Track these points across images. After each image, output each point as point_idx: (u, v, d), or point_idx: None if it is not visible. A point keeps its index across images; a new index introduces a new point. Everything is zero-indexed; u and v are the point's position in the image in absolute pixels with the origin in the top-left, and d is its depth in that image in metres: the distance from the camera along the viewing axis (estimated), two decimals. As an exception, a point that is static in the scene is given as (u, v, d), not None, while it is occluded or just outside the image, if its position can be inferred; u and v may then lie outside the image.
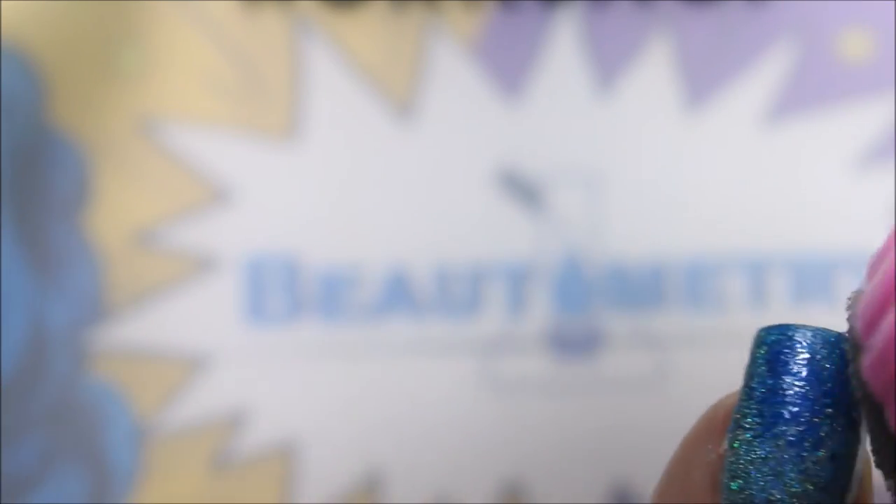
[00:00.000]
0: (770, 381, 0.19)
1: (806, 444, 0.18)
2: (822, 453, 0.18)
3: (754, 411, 0.19)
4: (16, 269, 0.51)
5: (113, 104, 0.52)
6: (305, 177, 0.52)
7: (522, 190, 0.53)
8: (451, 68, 0.53)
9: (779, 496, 0.18)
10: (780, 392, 0.19)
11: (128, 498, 0.51)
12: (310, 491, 0.52)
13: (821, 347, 0.19)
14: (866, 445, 0.19)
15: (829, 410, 0.18)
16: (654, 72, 0.53)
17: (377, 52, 0.53)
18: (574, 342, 0.52)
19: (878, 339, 0.18)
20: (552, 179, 0.53)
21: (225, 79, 0.52)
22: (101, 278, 0.52)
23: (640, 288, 0.53)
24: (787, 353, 0.19)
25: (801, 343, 0.19)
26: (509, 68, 0.53)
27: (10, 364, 0.51)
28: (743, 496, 0.18)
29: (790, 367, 0.19)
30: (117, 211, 0.52)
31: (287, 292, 0.52)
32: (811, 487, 0.18)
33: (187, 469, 0.52)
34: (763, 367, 0.19)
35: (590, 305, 0.53)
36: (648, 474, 0.52)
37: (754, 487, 0.18)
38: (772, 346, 0.19)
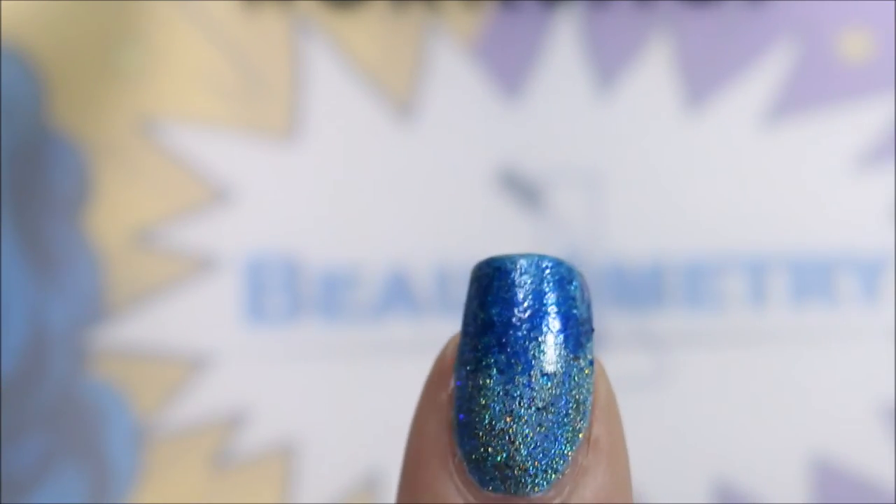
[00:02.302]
0: (480, 315, 0.20)
1: (517, 368, 0.19)
2: (534, 377, 0.19)
3: (469, 346, 0.19)
4: (16, 269, 0.51)
5: (113, 104, 0.52)
6: (305, 177, 0.52)
7: (522, 190, 0.53)
8: (451, 68, 0.53)
9: (501, 425, 0.18)
10: (488, 323, 0.19)
11: (128, 498, 0.51)
12: (310, 491, 0.52)
13: (527, 271, 0.20)
14: (598, 367, 0.20)
15: (535, 333, 0.19)
16: (654, 72, 0.53)
17: (377, 52, 0.53)
18: (574, 342, 0.52)
19: None
20: (552, 179, 0.53)
21: (225, 79, 0.52)
22: (101, 278, 0.52)
23: (640, 288, 0.53)
24: (494, 284, 0.20)
25: (507, 271, 0.20)
26: (509, 68, 0.53)
27: (9, 364, 0.51)
28: (469, 428, 0.19)
29: (496, 296, 0.20)
30: (117, 211, 0.52)
31: (287, 292, 0.52)
32: (531, 410, 0.18)
33: (187, 469, 0.52)
34: (473, 302, 0.20)
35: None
36: (648, 474, 0.52)
37: (476, 419, 0.19)
38: (480, 280, 0.20)
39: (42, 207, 0.51)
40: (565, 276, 0.19)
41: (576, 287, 0.19)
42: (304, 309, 0.52)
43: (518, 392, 0.19)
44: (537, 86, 0.53)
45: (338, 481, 0.52)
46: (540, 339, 0.19)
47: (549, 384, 0.19)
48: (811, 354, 0.51)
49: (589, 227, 0.53)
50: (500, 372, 0.19)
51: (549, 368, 0.19)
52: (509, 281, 0.19)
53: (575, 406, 0.19)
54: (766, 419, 0.51)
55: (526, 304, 0.19)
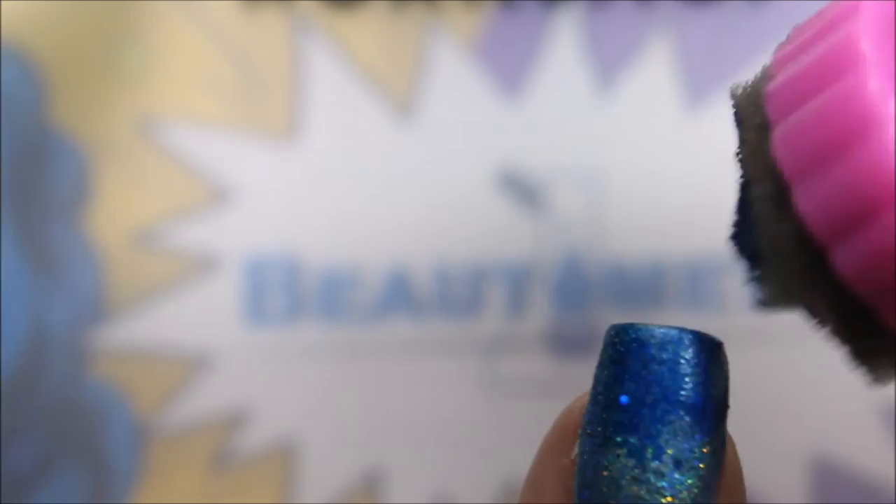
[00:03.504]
0: (612, 387, 0.19)
1: (648, 452, 0.18)
2: (664, 462, 0.18)
3: (597, 418, 0.18)
4: (16, 269, 0.51)
5: (113, 104, 0.52)
6: (305, 177, 0.52)
7: (522, 190, 0.53)
8: (451, 68, 0.53)
9: None
10: (621, 398, 0.18)
11: (128, 498, 0.51)
12: (310, 491, 0.52)
13: (665, 348, 0.19)
14: (729, 445, 0.19)
15: (670, 417, 0.18)
16: (654, 72, 0.53)
17: (377, 52, 0.53)
18: (574, 342, 0.52)
19: (805, 113, 0.17)
20: (552, 179, 0.53)
21: (225, 79, 0.52)
22: (101, 278, 0.52)
23: (640, 288, 0.53)
24: (630, 356, 0.19)
25: (644, 345, 0.19)
26: (509, 68, 0.53)
27: (9, 364, 0.51)
28: None
29: (631, 371, 0.18)
30: (117, 211, 0.52)
31: (287, 292, 0.52)
32: (658, 497, 0.18)
33: (187, 469, 0.52)
34: (605, 371, 0.19)
35: (590, 305, 0.53)
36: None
37: (598, 498, 0.18)
38: (615, 348, 0.19)
39: (42, 207, 0.51)
40: (706, 352, 0.19)
41: (716, 364, 0.19)
42: (304, 309, 0.52)
43: (647, 477, 0.18)
44: (537, 86, 0.53)
45: (338, 481, 0.52)
46: (675, 423, 0.18)
47: (680, 471, 0.18)
48: (811, 354, 0.51)
49: (589, 227, 0.53)
50: (630, 454, 0.18)
51: (683, 455, 0.18)
52: (647, 356, 0.18)
53: (703, 490, 0.18)
54: (766, 419, 0.51)
55: (662, 384, 0.18)
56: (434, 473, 0.52)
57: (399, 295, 0.52)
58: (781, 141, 0.18)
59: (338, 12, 0.53)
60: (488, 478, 0.52)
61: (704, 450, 0.18)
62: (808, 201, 0.17)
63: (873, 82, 0.17)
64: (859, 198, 0.16)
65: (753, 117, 0.19)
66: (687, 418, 0.18)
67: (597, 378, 0.19)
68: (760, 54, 0.54)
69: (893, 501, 0.51)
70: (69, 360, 0.51)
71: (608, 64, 0.53)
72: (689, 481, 0.17)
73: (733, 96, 0.19)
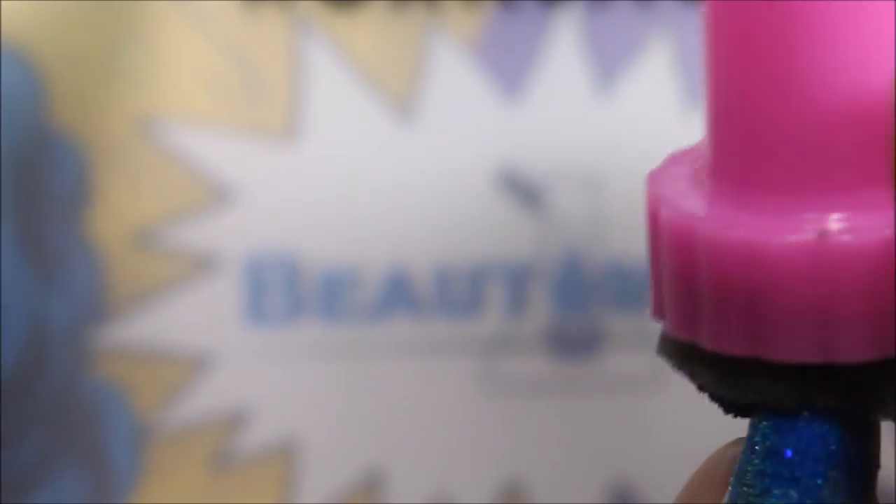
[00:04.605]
0: (772, 439, 0.18)
1: None
2: None
3: (756, 469, 0.18)
4: (16, 269, 0.51)
5: (113, 104, 0.52)
6: (305, 177, 0.52)
7: (522, 190, 0.53)
8: (451, 68, 0.53)
9: None
10: (782, 451, 0.18)
11: (128, 498, 0.51)
12: (310, 491, 0.52)
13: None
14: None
15: (833, 472, 0.18)
16: (654, 72, 0.53)
17: (377, 52, 0.53)
18: (574, 342, 0.52)
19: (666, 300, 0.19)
20: (552, 180, 0.53)
21: (225, 79, 0.52)
22: (102, 278, 0.52)
23: (640, 288, 0.53)
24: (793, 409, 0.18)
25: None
26: (509, 68, 0.53)
27: (10, 364, 0.51)
28: None
29: (793, 423, 0.18)
30: (117, 211, 0.52)
31: (287, 292, 0.52)
32: None
33: (187, 469, 0.52)
34: (766, 421, 0.19)
35: (590, 305, 0.53)
36: (649, 475, 0.52)
37: None
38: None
39: (42, 207, 0.51)
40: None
41: (877, 430, 0.19)
42: (304, 309, 0.52)
43: None
44: (537, 86, 0.53)
45: (338, 481, 0.52)
46: (835, 480, 0.18)
47: None
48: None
49: (589, 227, 0.53)
50: None
51: None
52: (812, 412, 0.18)
53: None
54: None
55: (826, 441, 0.18)
56: (434, 473, 0.52)
57: (399, 295, 0.52)
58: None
59: (338, 12, 0.53)
60: (488, 478, 0.52)
61: (862, 497, 0.18)
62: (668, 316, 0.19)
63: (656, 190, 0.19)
64: (681, 265, 0.18)
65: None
66: (847, 473, 0.18)
67: (755, 428, 0.19)
68: (760, 54, 0.54)
69: (893, 502, 0.51)
70: (69, 360, 0.51)
71: (608, 64, 0.53)
72: None
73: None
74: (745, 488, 0.18)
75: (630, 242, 0.53)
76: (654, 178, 0.20)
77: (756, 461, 0.18)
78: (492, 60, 0.53)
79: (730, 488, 0.18)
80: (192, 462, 0.51)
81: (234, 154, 0.52)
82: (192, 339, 0.52)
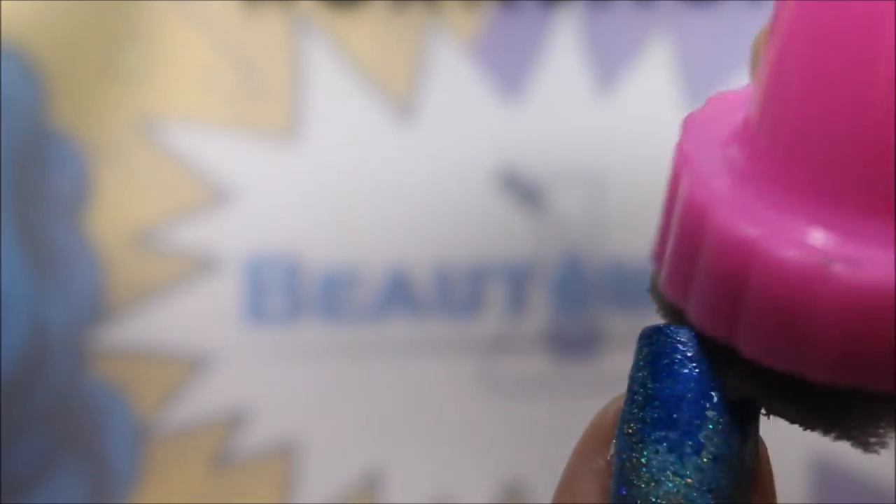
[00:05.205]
0: (649, 385, 0.19)
1: (686, 448, 0.18)
2: (704, 457, 0.18)
3: (635, 416, 0.18)
4: (16, 269, 0.51)
5: (113, 104, 0.52)
6: (305, 177, 0.52)
7: (522, 190, 0.53)
8: (451, 68, 0.53)
9: (663, 503, 0.18)
10: (659, 396, 0.18)
11: (128, 498, 0.51)
12: (310, 491, 0.52)
13: (700, 346, 0.19)
14: (761, 445, 0.19)
15: (710, 413, 0.18)
16: (654, 72, 0.53)
17: (377, 52, 0.53)
18: (574, 342, 0.52)
19: (666, 254, 0.18)
20: (552, 179, 0.53)
21: (225, 79, 0.52)
22: (101, 278, 0.52)
23: (640, 288, 0.53)
24: (666, 354, 0.19)
25: (681, 343, 0.19)
26: (509, 68, 0.53)
27: (10, 364, 0.51)
28: (631, 502, 0.18)
29: (668, 369, 0.19)
30: (117, 211, 0.52)
31: (287, 292, 0.52)
32: (695, 494, 0.18)
33: (187, 469, 0.52)
34: (643, 371, 0.19)
35: (590, 305, 0.53)
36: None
37: (638, 494, 0.18)
38: (651, 348, 0.19)
39: (42, 207, 0.51)
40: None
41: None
42: (304, 309, 0.52)
43: (686, 472, 0.18)
44: (537, 86, 0.53)
45: (338, 481, 0.52)
46: (714, 419, 0.18)
47: (719, 466, 0.18)
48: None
49: (589, 227, 0.53)
50: (669, 450, 0.18)
51: (721, 451, 0.18)
52: (684, 355, 0.19)
53: (741, 486, 0.18)
54: (766, 419, 0.51)
55: (702, 381, 0.18)
56: (434, 473, 0.52)
57: (399, 295, 0.52)
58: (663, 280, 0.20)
59: (338, 12, 0.53)
60: (488, 477, 0.52)
61: (742, 447, 0.18)
62: (698, 314, 0.18)
63: (700, 178, 0.18)
64: (726, 276, 0.17)
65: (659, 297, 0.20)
66: (726, 415, 0.18)
67: (633, 379, 0.19)
68: (760, 54, 0.54)
69: (893, 502, 0.51)
70: (69, 360, 0.51)
71: (608, 64, 0.53)
72: (728, 477, 0.18)
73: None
74: (628, 436, 0.18)
75: (630, 242, 0.53)
76: (688, 137, 0.19)
77: (635, 410, 0.19)
78: (492, 60, 0.53)
79: (614, 440, 0.19)
80: (192, 462, 0.52)
81: (234, 154, 0.52)
82: (191, 339, 0.52)
